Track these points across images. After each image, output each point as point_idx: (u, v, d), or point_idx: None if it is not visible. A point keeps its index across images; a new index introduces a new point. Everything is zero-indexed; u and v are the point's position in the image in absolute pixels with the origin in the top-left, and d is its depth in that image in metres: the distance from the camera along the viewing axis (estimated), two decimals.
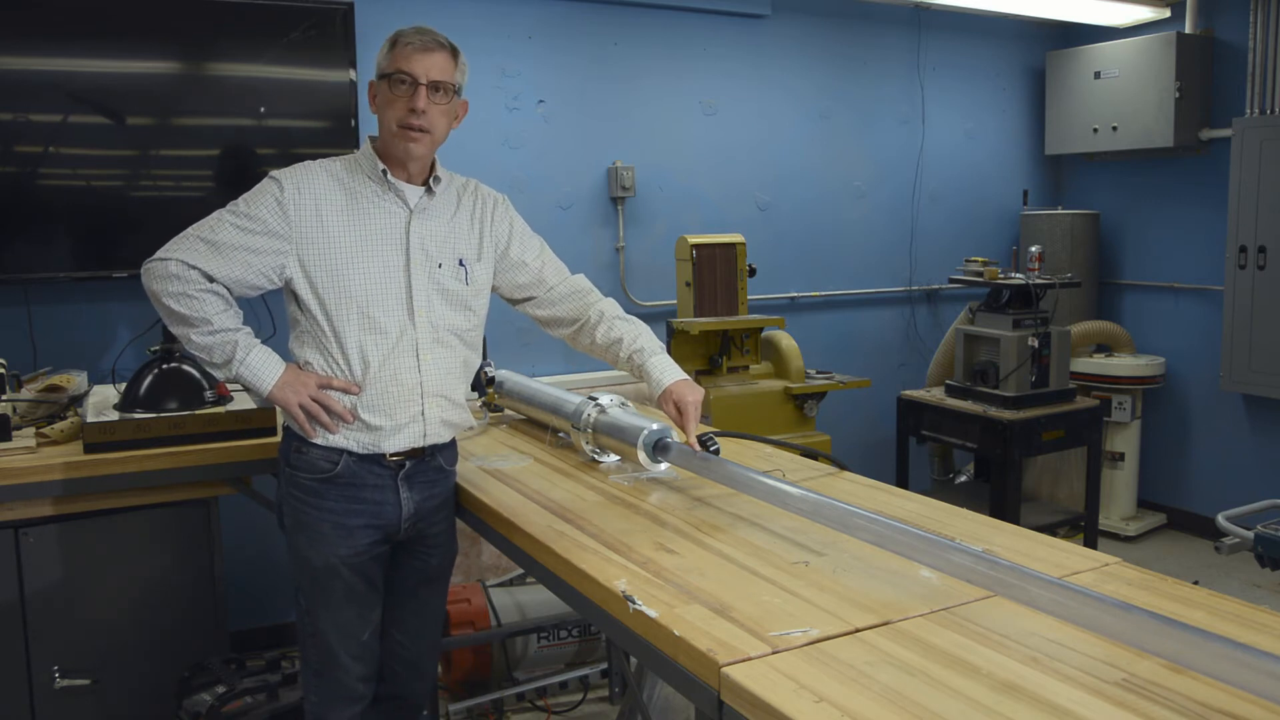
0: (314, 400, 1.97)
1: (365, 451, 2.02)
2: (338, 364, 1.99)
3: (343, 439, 2.01)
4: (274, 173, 2.00)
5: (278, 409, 2.16)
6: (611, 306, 2.26)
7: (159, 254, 1.93)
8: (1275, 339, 4.35)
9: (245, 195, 1.98)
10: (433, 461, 2.12)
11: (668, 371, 2.16)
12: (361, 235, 1.99)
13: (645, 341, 2.20)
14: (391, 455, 2.05)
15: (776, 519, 1.89)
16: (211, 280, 1.93)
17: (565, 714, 3.30)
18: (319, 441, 2.01)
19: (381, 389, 2.01)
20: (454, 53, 2.02)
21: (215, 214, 1.97)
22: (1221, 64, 4.71)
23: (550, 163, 4.16)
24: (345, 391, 1.99)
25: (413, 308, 2.02)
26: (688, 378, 2.16)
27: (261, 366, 1.97)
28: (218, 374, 2.01)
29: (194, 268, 1.91)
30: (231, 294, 1.97)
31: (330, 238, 1.97)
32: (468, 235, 2.13)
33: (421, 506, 2.11)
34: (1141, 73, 4.74)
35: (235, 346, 1.95)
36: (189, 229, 1.96)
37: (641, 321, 2.25)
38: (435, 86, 1.97)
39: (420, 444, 2.07)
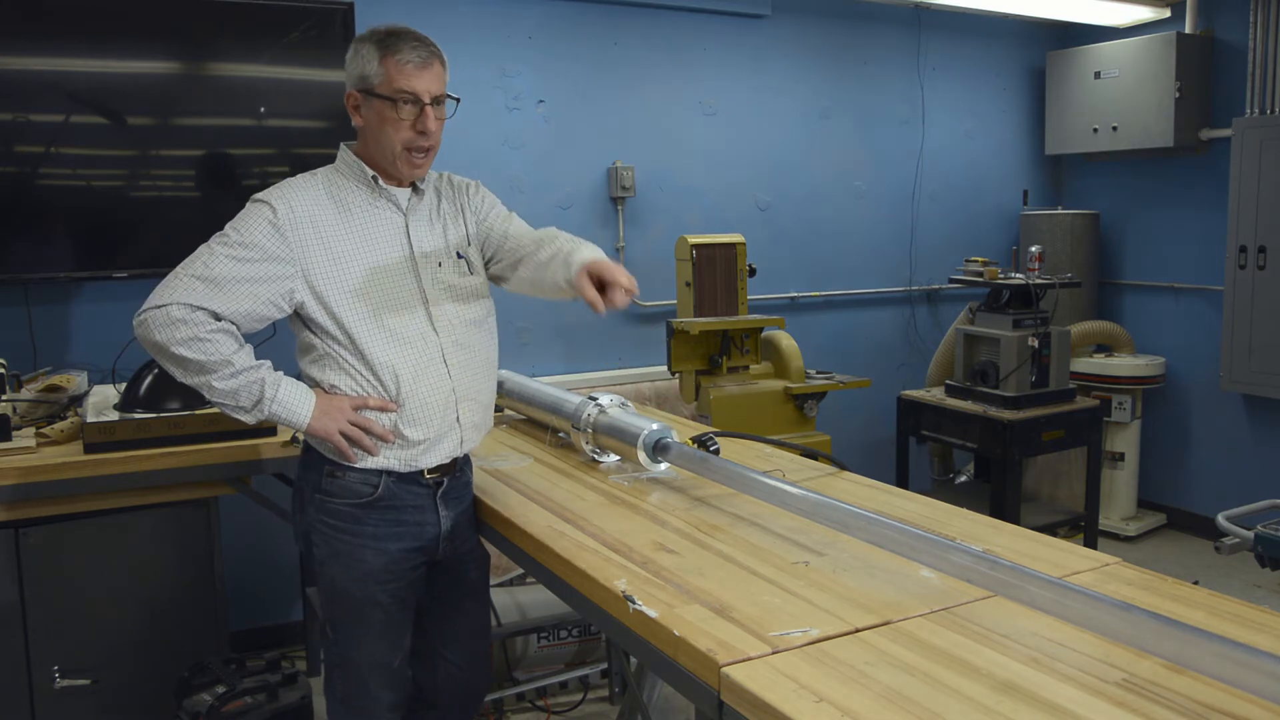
0: (353, 424, 1.88)
1: (406, 469, 1.96)
2: (369, 383, 1.91)
3: (383, 458, 1.94)
4: (258, 195, 1.89)
5: None
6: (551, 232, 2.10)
7: (153, 301, 1.79)
8: (1275, 339, 4.34)
9: (232, 223, 1.85)
10: (462, 477, 2.10)
11: (583, 249, 1.97)
12: (365, 246, 1.93)
13: (569, 238, 2.03)
14: (429, 472, 2.00)
15: (776, 519, 1.89)
16: (219, 319, 1.81)
17: (565, 714, 3.30)
18: (357, 464, 1.93)
19: (420, 400, 1.94)
20: (443, 58, 1.94)
21: (204, 248, 1.83)
22: (1221, 64, 4.70)
23: (550, 163, 4.15)
24: (383, 410, 1.91)
25: (430, 313, 1.97)
26: (603, 255, 1.96)
27: (294, 401, 1.86)
28: (245, 418, 1.86)
29: (199, 308, 1.78)
30: (240, 330, 1.85)
31: (335, 254, 1.89)
32: (454, 225, 2.08)
33: (456, 523, 2.07)
34: (1141, 73, 4.74)
35: (263, 385, 1.83)
36: (178, 269, 1.81)
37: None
38: (436, 101, 1.91)
39: (458, 453, 2.03)
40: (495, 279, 2.17)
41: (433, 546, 2.04)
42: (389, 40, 1.89)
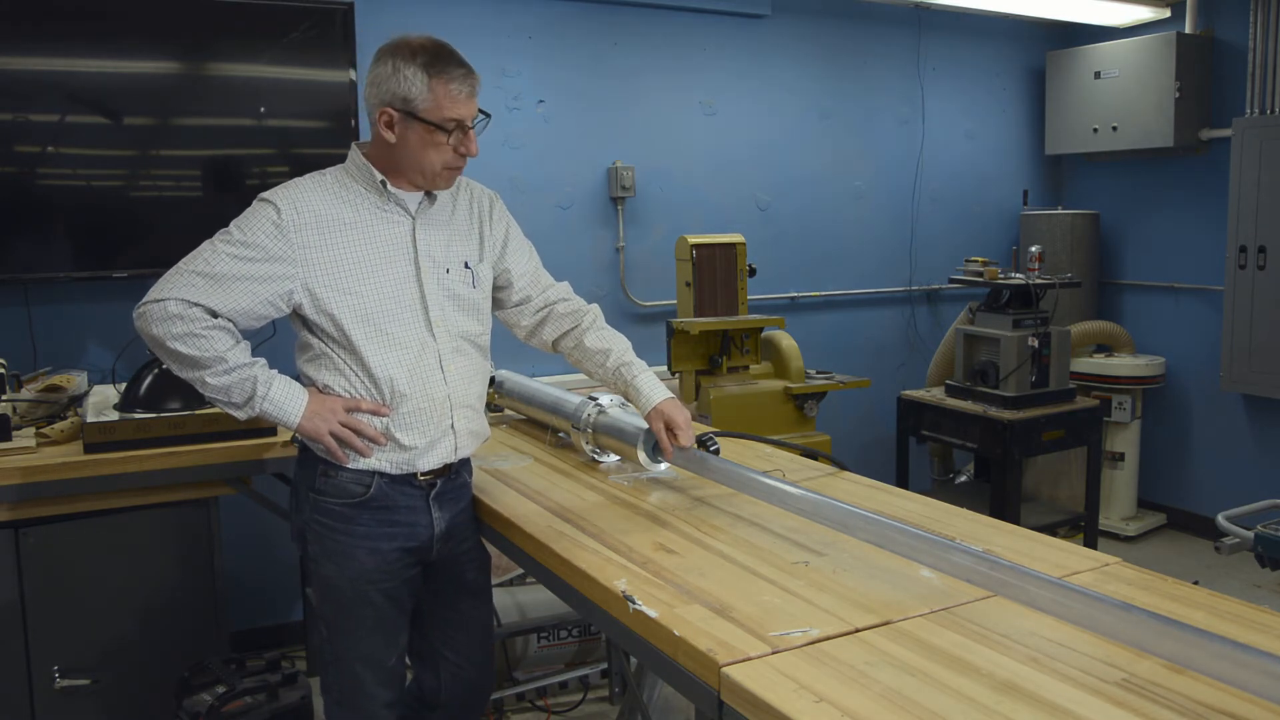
0: (344, 426, 1.89)
1: (398, 472, 1.97)
2: (363, 386, 1.92)
3: (375, 460, 1.94)
4: (265, 194, 1.89)
5: None
6: (599, 313, 2.24)
7: (152, 295, 1.82)
8: (1275, 339, 4.34)
9: (237, 221, 1.87)
10: (457, 479, 2.09)
11: (657, 389, 2.13)
12: (369, 250, 1.92)
13: (634, 357, 2.17)
14: (422, 475, 2.00)
15: (776, 519, 1.89)
16: (215, 316, 1.83)
17: (565, 714, 3.30)
18: (349, 464, 1.94)
19: (414, 407, 1.95)
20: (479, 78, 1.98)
21: (207, 244, 1.85)
22: (1221, 64, 4.71)
23: (550, 163, 4.15)
24: (375, 414, 1.92)
25: (430, 319, 1.97)
26: (674, 396, 2.13)
27: (285, 400, 1.87)
28: (238, 414, 1.89)
29: (196, 305, 1.80)
30: (237, 327, 1.87)
31: (337, 256, 1.89)
32: (467, 236, 2.08)
33: (451, 524, 2.07)
34: (1141, 73, 4.74)
35: (254, 383, 1.85)
36: (180, 264, 1.84)
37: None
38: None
39: (452, 459, 2.02)
40: (494, 302, 2.19)
41: (426, 548, 2.04)
42: (436, 65, 1.87)
